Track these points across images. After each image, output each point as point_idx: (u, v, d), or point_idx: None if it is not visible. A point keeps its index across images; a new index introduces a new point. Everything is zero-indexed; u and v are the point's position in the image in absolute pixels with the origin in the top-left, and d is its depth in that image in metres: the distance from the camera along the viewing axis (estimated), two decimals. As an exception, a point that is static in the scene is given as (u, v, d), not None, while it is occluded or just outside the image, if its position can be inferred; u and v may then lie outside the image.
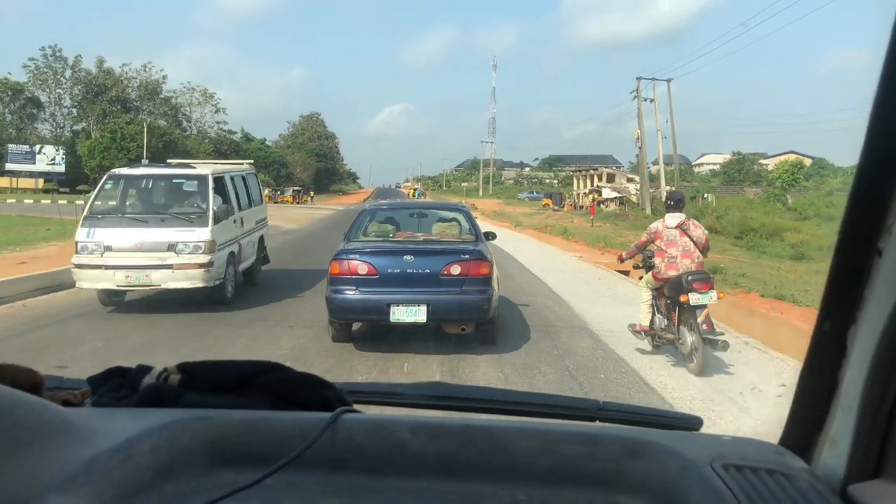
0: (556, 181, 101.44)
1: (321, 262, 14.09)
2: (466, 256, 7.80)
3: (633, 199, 49.99)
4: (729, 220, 32.57)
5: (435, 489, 1.09)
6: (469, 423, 1.18)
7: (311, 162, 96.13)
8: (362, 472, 1.11)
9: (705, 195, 54.17)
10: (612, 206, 49.13)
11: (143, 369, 1.28)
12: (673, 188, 43.17)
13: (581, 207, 53.76)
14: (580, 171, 75.43)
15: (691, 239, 7.58)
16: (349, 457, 1.12)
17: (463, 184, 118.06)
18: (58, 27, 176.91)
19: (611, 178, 64.89)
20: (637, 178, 52.47)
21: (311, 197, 68.45)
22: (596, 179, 65.21)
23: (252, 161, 16.59)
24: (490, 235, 9.53)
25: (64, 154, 65.29)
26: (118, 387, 1.27)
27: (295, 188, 67.41)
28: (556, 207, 55.14)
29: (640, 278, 8.49)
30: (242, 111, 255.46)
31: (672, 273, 7.49)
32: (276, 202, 56.90)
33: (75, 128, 74.89)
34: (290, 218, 33.83)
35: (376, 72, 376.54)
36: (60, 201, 37.22)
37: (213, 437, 1.13)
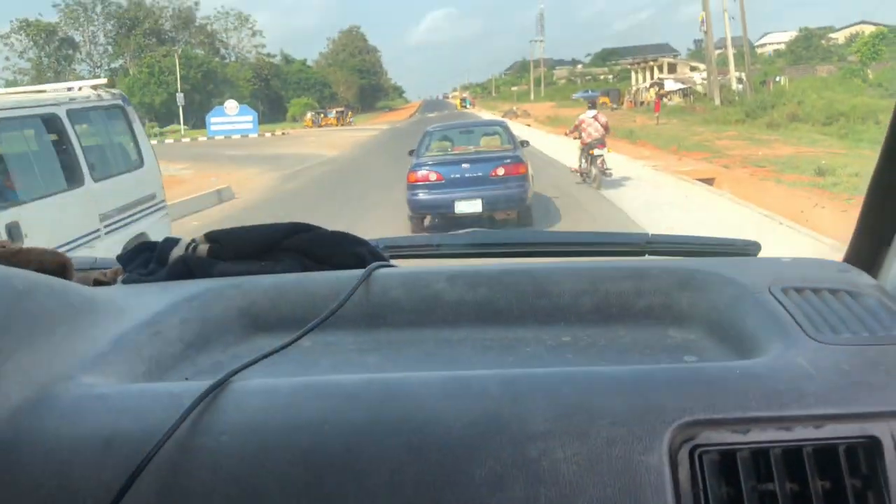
0: (611, 76, 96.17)
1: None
2: (508, 160, 10.31)
3: (699, 88, 46.02)
4: (812, 104, 28.94)
5: (475, 337, 1.05)
6: (507, 267, 1.14)
7: (353, 79, 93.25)
8: (400, 326, 1.08)
9: (777, 78, 49.65)
10: (677, 99, 45.42)
11: (171, 241, 1.26)
12: (743, 74, 39.46)
13: (642, 104, 50.11)
14: (637, 63, 70.81)
15: (600, 124, 13.49)
16: (385, 312, 1.09)
17: (513, 88, 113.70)
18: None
19: (672, 69, 60.31)
20: (701, 66, 48.36)
21: (350, 118, 65.11)
22: (656, 71, 60.74)
23: (104, 81, 7.39)
24: (524, 143, 11.75)
25: (103, 94, 63.93)
26: (147, 262, 1.27)
27: (338, 109, 65.03)
28: (613, 106, 51.56)
29: (579, 142, 14.20)
30: (280, 32, 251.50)
31: (589, 140, 13.41)
32: (319, 126, 56.03)
33: (113, 65, 73.58)
34: (329, 144, 31.98)
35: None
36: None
37: (246, 304, 1.10)
